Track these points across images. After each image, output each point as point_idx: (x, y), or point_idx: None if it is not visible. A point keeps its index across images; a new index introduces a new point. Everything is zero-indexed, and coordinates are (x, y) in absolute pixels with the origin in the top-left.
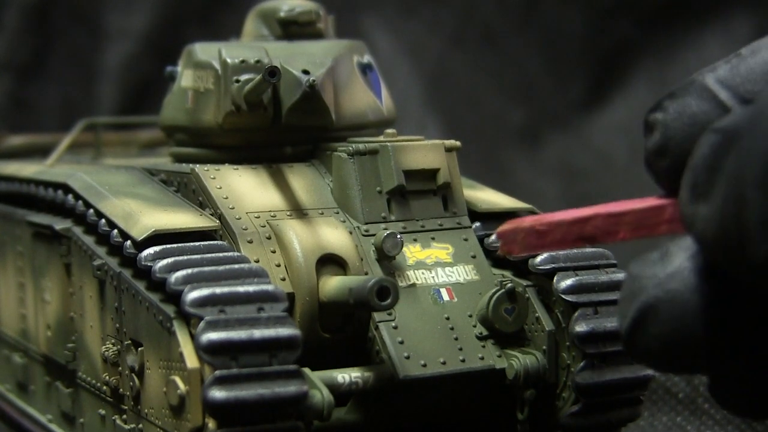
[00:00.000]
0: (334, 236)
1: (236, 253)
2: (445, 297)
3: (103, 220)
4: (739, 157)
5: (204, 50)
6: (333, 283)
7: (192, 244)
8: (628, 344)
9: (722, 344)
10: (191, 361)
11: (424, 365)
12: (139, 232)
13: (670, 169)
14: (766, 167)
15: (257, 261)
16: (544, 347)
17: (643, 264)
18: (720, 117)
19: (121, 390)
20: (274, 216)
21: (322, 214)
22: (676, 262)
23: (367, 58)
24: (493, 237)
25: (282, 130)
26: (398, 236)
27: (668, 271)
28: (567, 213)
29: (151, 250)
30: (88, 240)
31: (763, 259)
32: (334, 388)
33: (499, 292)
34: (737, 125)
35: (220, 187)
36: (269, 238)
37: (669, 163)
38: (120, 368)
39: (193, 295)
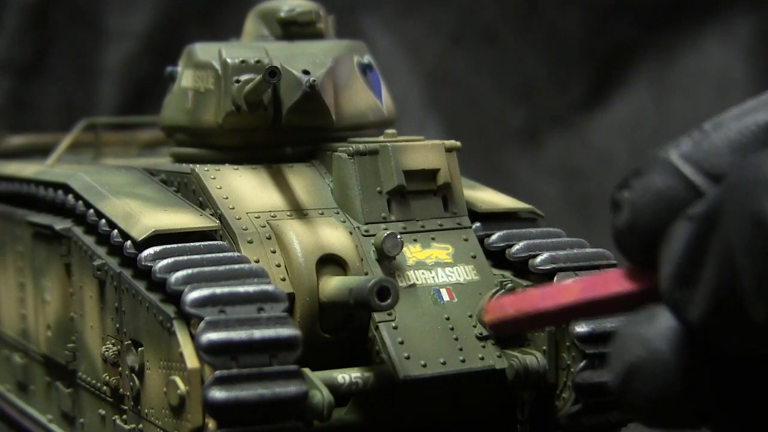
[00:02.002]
0: (335, 236)
1: (236, 254)
2: (446, 297)
3: (104, 221)
4: (724, 231)
5: (204, 50)
6: (333, 284)
7: (192, 244)
8: (620, 400)
9: (707, 403)
10: (191, 361)
11: (424, 365)
12: (139, 233)
13: (640, 245)
14: (752, 232)
15: (257, 261)
16: (544, 347)
17: (630, 324)
18: (686, 192)
19: (121, 390)
20: (275, 216)
21: (323, 214)
22: (661, 323)
23: (367, 58)
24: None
25: (282, 130)
26: (398, 236)
27: (653, 332)
28: (546, 296)
29: (151, 251)
30: (89, 240)
31: (763, 319)
32: (334, 388)
33: (500, 293)
34: (715, 205)
35: (221, 188)
36: (269, 238)
37: (639, 240)
38: (120, 368)
39: (193, 295)
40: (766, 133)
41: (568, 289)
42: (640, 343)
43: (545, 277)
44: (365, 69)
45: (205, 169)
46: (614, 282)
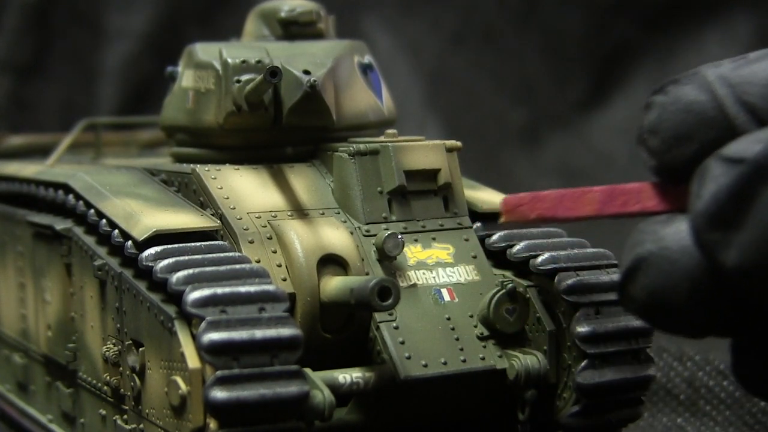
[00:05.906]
0: (335, 236)
1: (237, 254)
2: (446, 297)
3: (104, 221)
4: None
5: (205, 50)
6: (334, 284)
7: (193, 244)
8: (620, 293)
9: (712, 313)
10: (192, 361)
11: (425, 365)
12: (140, 233)
13: (660, 148)
14: None
15: (258, 261)
16: (545, 347)
17: (648, 222)
18: (714, 111)
19: (122, 390)
20: (275, 216)
21: (323, 214)
22: (677, 225)
23: (367, 59)
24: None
25: (283, 130)
26: (399, 236)
27: (668, 231)
28: (566, 206)
29: (152, 251)
30: (89, 240)
31: None
32: (335, 388)
33: (500, 293)
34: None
35: (221, 188)
36: (270, 238)
37: (659, 143)
38: (121, 368)
39: (194, 295)
40: None
41: (589, 200)
42: (652, 239)
43: (546, 277)
44: (366, 69)
45: (206, 169)
46: (634, 199)
